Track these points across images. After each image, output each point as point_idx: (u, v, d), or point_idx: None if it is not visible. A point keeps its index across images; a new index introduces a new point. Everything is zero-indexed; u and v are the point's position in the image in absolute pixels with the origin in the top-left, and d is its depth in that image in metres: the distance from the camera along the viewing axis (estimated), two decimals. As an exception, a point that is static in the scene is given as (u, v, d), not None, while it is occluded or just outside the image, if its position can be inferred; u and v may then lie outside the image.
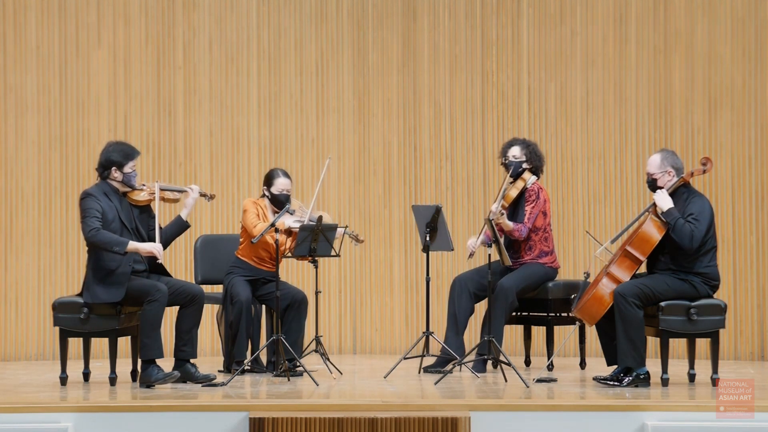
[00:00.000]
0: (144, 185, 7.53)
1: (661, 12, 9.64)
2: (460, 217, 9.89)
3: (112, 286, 7.29)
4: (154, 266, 7.54)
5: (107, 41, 9.85)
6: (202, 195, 7.69)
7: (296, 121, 10.00)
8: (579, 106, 9.80)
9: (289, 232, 7.92)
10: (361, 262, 9.99)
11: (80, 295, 7.41)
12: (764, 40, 9.44)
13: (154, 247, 7.33)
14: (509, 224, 8.08)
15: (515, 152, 8.28)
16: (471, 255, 8.26)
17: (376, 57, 10.04)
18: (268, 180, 8.17)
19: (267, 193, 8.15)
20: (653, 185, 7.43)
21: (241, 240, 8.16)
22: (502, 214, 8.02)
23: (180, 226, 7.59)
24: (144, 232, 7.47)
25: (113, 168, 7.42)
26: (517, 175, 8.25)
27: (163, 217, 7.61)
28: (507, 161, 8.29)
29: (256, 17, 10.00)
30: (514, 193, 8.19)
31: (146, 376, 7.26)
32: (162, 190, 7.54)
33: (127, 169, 7.43)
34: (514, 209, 8.24)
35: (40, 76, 9.76)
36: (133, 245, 7.29)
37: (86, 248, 7.43)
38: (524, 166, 8.27)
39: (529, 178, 8.25)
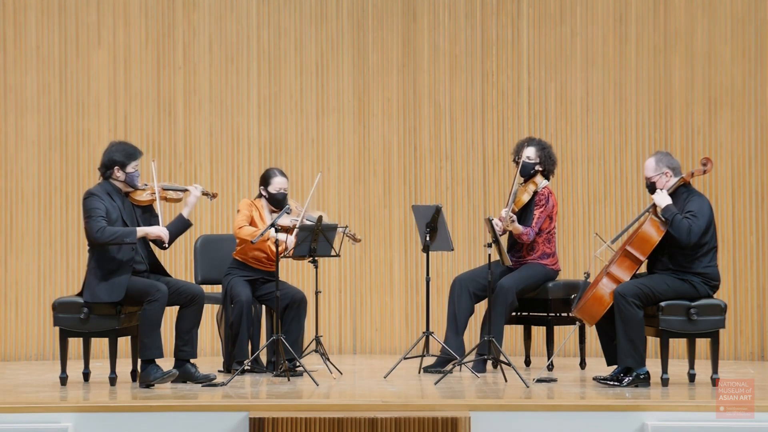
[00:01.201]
0: (146, 185, 7.53)
1: (661, 12, 9.64)
2: (460, 217, 9.89)
3: (112, 285, 7.28)
4: (154, 266, 7.55)
5: (107, 41, 9.84)
6: (205, 194, 7.69)
7: (296, 121, 10.00)
8: (579, 106, 9.80)
9: (286, 231, 7.92)
10: (361, 262, 9.99)
11: (80, 294, 7.41)
12: (764, 40, 9.43)
13: (161, 231, 7.39)
14: (519, 228, 8.07)
15: (530, 153, 8.23)
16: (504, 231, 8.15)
17: (376, 57, 10.04)
18: (265, 180, 8.17)
19: (264, 193, 8.15)
20: (653, 189, 7.42)
21: (238, 241, 8.16)
22: (513, 220, 7.99)
23: (182, 225, 7.58)
24: None
25: (116, 168, 7.41)
26: (528, 177, 8.23)
27: (165, 216, 7.60)
28: (521, 161, 8.24)
29: (256, 17, 10.00)
30: (525, 197, 8.16)
31: (145, 376, 7.26)
32: (164, 189, 7.54)
33: (129, 168, 7.43)
34: (523, 212, 8.22)
35: (40, 76, 9.76)
36: (141, 231, 7.34)
37: (87, 248, 7.43)
38: (536, 168, 8.24)
39: (541, 181, 8.23)
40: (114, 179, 7.43)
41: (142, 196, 7.49)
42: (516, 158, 8.28)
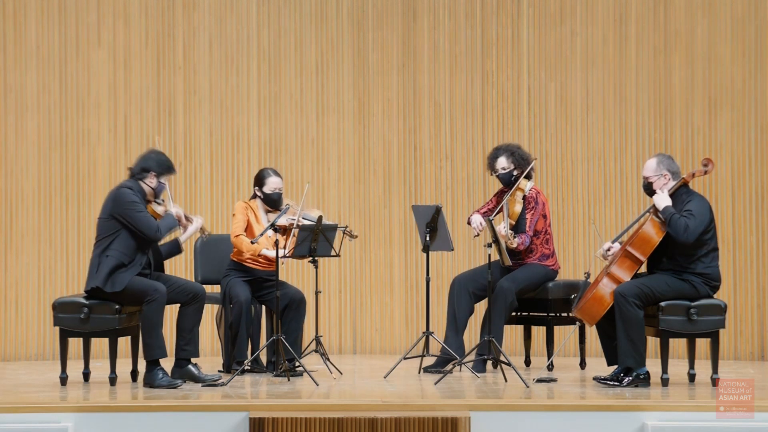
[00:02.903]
0: (162, 201, 7.59)
1: (661, 12, 9.64)
2: (460, 217, 9.88)
3: (114, 278, 7.27)
4: (156, 267, 7.56)
5: (107, 41, 9.85)
6: (201, 229, 7.74)
7: (296, 121, 10.00)
8: (579, 106, 9.80)
9: (284, 231, 7.92)
10: (361, 262, 9.99)
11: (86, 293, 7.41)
12: (764, 40, 9.44)
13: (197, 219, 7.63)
14: (515, 241, 8.01)
15: (503, 163, 8.22)
16: (477, 234, 8.20)
17: (376, 57, 10.04)
18: (259, 180, 8.17)
19: (259, 194, 8.15)
20: (649, 189, 7.43)
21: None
22: (514, 236, 7.94)
23: (175, 248, 7.69)
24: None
25: (152, 173, 7.46)
26: (511, 184, 8.20)
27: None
28: (498, 173, 8.25)
29: (256, 17, 10.00)
30: (518, 208, 8.11)
31: (151, 379, 7.24)
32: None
33: (162, 180, 7.49)
34: (517, 220, 8.18)
35: (40, 76, 9.76)
36: (176, 214, 7.53)
37: (94, 241, 7.42)
38: (515, 174, 8.22)
39: (526, 185, 8.20)
40: (146, 183, 7.47)
41: (158, 209, 7.54)
42: (492, 172, 8.27)
